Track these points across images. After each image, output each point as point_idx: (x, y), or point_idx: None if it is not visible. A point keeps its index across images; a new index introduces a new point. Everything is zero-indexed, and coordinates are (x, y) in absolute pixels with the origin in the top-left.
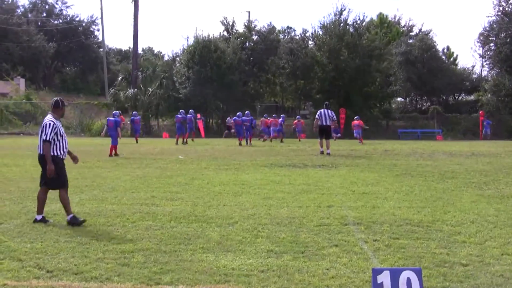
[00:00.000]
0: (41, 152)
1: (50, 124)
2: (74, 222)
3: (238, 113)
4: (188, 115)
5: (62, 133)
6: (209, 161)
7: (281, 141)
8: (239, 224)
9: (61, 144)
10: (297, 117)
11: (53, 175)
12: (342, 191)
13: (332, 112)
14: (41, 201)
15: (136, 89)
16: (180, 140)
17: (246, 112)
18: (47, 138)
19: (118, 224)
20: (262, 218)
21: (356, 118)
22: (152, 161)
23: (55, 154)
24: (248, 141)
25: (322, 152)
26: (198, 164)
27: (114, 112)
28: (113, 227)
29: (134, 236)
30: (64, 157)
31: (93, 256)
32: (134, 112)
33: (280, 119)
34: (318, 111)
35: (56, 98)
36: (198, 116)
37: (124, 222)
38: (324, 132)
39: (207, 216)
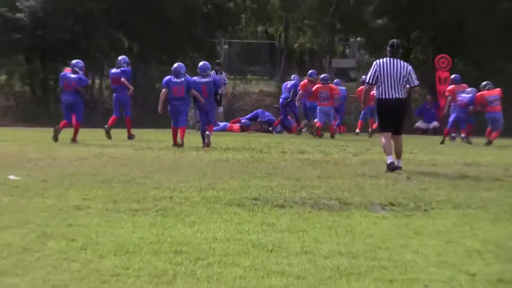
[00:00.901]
0: None
1: None
2: None
3: (176, 66)
4: (120, 68)
5: None
6: (91, 189)
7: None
8: None
9: None
10: (363, 78)
11: None
12: (445, 275)
13: (409, 66)
14: None
15: None
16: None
17: (202, 64)
18: None
19: None
20: None
21: (486, 85)
22: None
23: None
24: (206, 139)
25: (392, 168)
26: (61, 195)
27: None
28: None
29: None
30: None
31: None
32: None
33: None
34: (375, 64)
35: None
36: (68, 71)
37: None
38: (392, 116)
39: None
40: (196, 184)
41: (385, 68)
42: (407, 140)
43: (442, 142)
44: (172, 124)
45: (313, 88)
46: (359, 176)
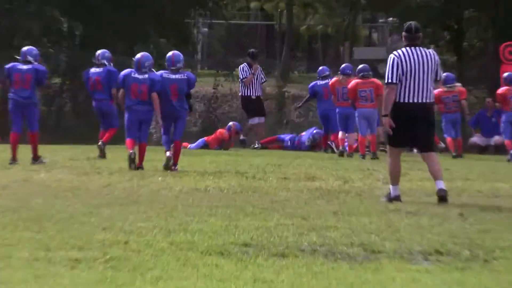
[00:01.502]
0: None
1: None
2: None
3: (139, 57)
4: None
5: None
6: (13, 231)
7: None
8: None
9: None
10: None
11: None
12: None
13: (436, 57)
14: None
15: None
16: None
17: (171, 54)
18: None
19: None
20: None
21: None
22: None
23: None
24: (172, 160)
25: (392, 199)
26: None
27: None
28: None
29: None
30: None
31: None
32: None
33: None
34: (393, 57)
35: None
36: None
37: None
38: (415, 127)
39: None
40: (162, 224)
41: (408, 61)
42: (458, 162)
43: None
44: (126, 137)
45: (349, 86)
46: (391, 212)
